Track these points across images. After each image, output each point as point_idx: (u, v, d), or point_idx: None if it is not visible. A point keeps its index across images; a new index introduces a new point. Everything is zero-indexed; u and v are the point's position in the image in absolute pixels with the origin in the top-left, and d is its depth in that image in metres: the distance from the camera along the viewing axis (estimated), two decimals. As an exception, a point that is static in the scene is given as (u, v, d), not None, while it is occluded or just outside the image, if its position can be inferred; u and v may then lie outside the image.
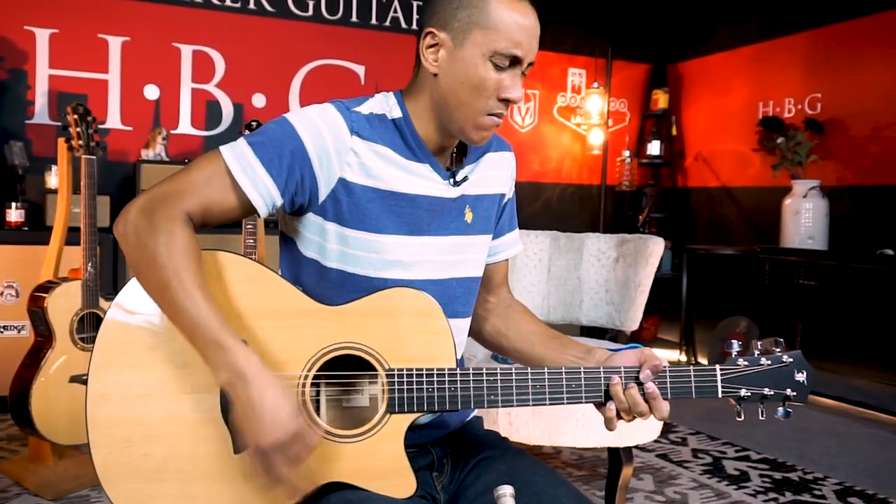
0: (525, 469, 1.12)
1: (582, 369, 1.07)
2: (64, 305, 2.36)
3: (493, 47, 1.04)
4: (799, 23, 4.61)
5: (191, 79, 3.91)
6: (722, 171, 5.16)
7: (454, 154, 1.19)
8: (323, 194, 1.08)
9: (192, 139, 3.93)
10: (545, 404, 1.06)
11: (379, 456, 1.04)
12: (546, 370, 1.06)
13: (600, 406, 1.08)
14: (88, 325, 2.41)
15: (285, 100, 4.13)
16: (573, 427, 2.05)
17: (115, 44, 3.74)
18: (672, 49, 5.53)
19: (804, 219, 4.02)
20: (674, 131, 5.45)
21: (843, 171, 4.32)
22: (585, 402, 1.07)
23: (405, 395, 1.04)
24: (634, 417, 1.06)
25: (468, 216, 1.19)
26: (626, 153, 5.32)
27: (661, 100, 5.43)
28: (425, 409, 1.04)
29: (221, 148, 1.06)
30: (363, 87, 4.34)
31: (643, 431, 2.13)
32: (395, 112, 1.13)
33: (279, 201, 1.06)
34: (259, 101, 4.07)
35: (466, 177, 1.18)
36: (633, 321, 2.53)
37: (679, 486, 2.56)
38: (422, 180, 1.13)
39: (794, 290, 4.16)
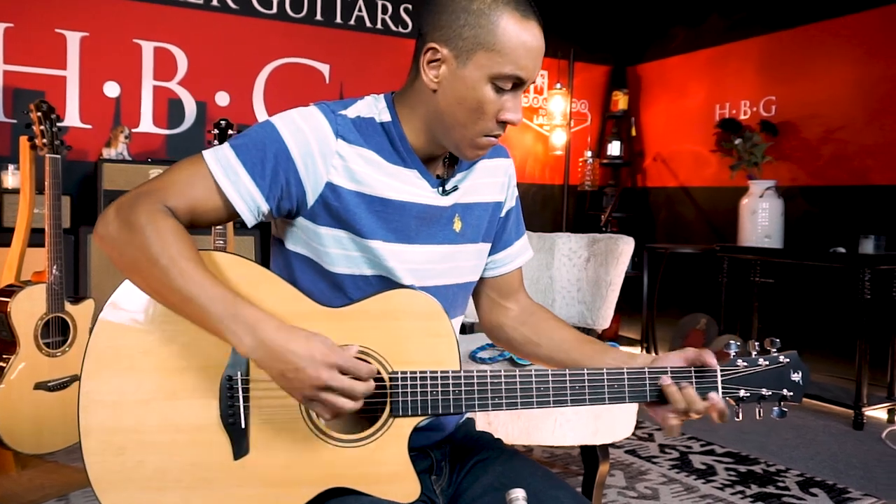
0: (523, 470, 1.12)
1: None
2: (28, 310, 2.29)
3: (497, 70, 1.01)
4: (754, 27, 4.75)
5: (152, 76, 3.82)
6: (680, 172, 5.28)
7: (446, 161, 1.17)
8: (311, 199, 1.06)
9: (154, 138, 3.84)
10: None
11: (382, 460, 1.03)
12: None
13: (658, 412, 1.09)
14: (54, 330, 2.34)
15: (249, 98, 4.08)
16: (551, 426, 2.07)
17: (73, 39, 3.64)
18: (631, 51, 5.63)
19: (761, 218, 4.13)
20: (633, 132, 5.55)
21: (797, 171, 4.46)
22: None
23: (409, 398, 1.03)
24: (689, 417, 1.07)
25: (457, 225, 1.17)
26: (589, 153, 5.40)
27: (620, 101, 5.51)
28: (429, 412, 1.03)
29: (204, 152, 1.04)
30: (328, 86, 4.31)
31: (619, 429, 2.17)
32: (384, 116, 1.10)
33: (265, 207, 1.03)
34: (223, 99, 4.00)
35: (456, 186, 1.16)
36: (604, 319, 2.57)
37: (649, 482, 2.62)
38: (409, 187, 1.10)
39: (752, 287, 4.28)
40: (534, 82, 1.08)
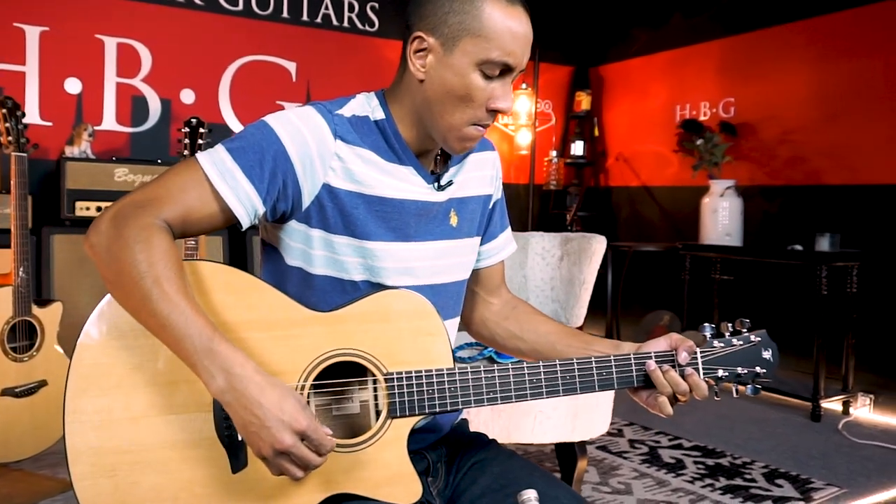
0: (521, 471, 1.13)
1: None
2: (-7, 313, 2.23)
3: (484, 56, 1.00)
4: (714, 30, 4.86)
5: (115, 73, 3.73)
6: (642, 171, 5.37)
7: (438, 157, 1.17)
8: (306, 201, 1.05)
9: (118, 136, 3.75)
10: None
11: (382, 463, 1.03)
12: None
13: (648, 397, 1.12)
14: (21, 334, 2.27)
15: (215, 96, 4.01)
16: (531, 424, 2.10)
17: (32, 34, 3.52)
18: (594, 52, 5.71)
19: (721, 217, 4.23)
20: (596, 132, 5.63)
21: (755, 171, 4.58)
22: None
23: (405, 398, 1.03)
24: (678, 401, 1.09)
25: (453, 220, 1.17)
26: (554, 153, 5.46)
27: (583, 101, 5.59)
28: (426, 411, 1.03)
29: (198, 155, 1.02)
30: (294, 84, 4.26)
31: (596, 425, 2.21)
32: (378, 113, 1.10)
33: (261, 210, 1.02)
34: (188, 96, 3.93)
35: (451, 181, 1.16)
36: (578, 318, 2.61)
37: (622, 477, 2.67)
38: (406, 184, 1.10)
39: (712, 284, 4.38)
40: (523, 70, 1.06)
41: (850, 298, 3.71)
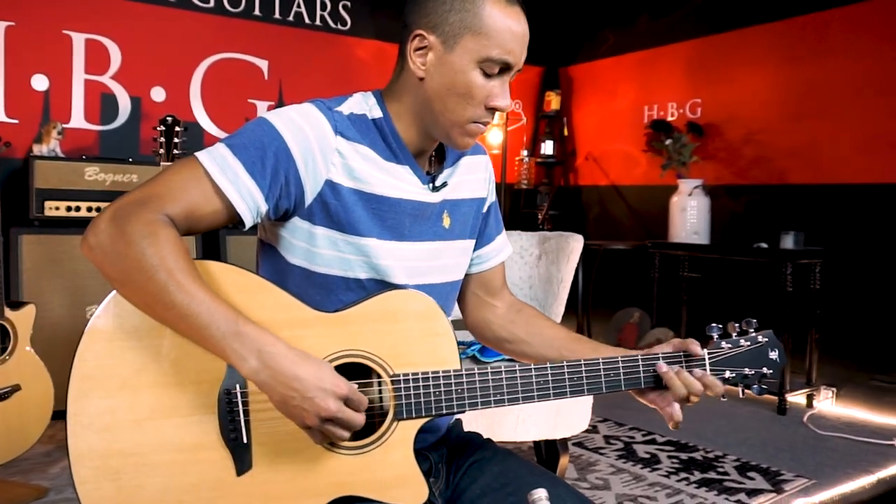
0: (520, 470, 1.14)
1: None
2: (-36, 317, 2.17)
3: (485, 54, 1.02)
4: (681, 32, 4.95)
5: (84, 69, 3.65)
6: (611, 171, 5.45)
7: (432, 157, 1.18)
8: (309, 197, 1.05)
9: (87, 134, 3.67)
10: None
11: (388, 465, 1.03)
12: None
13: (657, 401, 1.12)
14: (-6, 338, 2.22)
15: (186, 94, 3.95)
16: (513, 422, 2.12)
17: (-3, 29, 3.44)
18: (563, 52, 5.76)
19: (689, 215, 4.31)
20: (566, 132, 5.69)
21: (721, 171, 4.69)
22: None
23: (412, 400, 1.03)
24: (689, 402, 1.09)
25: (446, 221, 1.18)
26: (524, 153, 5.50)
27: (553, 101, 5.65)
28: (433, 412, 1.04)
29: (197, 153, 1.01)
30: (267, 82, 4.22)
31: (577, 422, 2.24)
32: (375, 112, 1.10)
33: (264, 207, 1.01)
34: (158, 94, 3.86)
35: (446, 182, 1.17)
36: (556, 316, 2.64)
37: (599, 473, 2.71)
38: (403, 183, 1.11)
39: (681, 281, 4.47)
40: (520, 70, 1.08)
41: (814, 295, 3.81)
